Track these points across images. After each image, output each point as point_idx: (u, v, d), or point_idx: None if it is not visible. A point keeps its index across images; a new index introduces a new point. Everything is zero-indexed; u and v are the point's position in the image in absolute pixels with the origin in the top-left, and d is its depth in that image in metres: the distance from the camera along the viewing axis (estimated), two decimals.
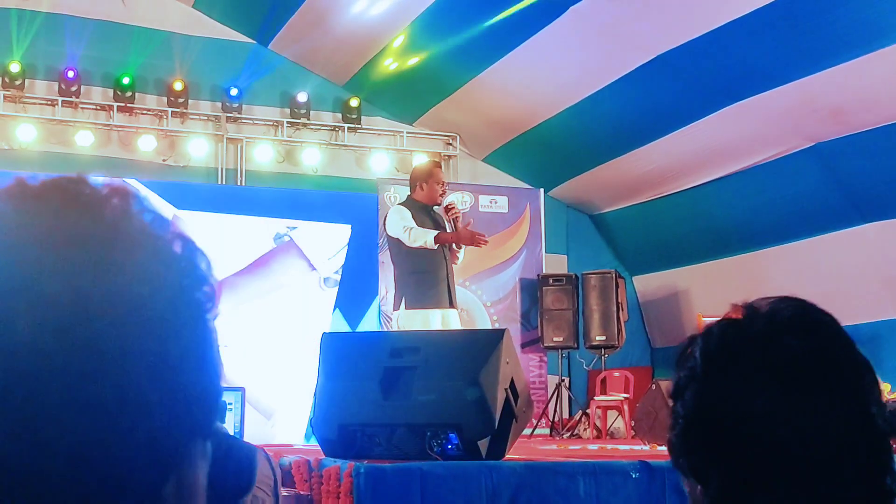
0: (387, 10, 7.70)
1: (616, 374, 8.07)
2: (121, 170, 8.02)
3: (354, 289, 8.47)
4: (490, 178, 9.50)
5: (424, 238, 5.47)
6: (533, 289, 8.84)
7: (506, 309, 8.86)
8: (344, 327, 8.33)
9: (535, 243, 9.04)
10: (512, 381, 4.17)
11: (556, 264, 9.35)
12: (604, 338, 8.51)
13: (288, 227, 8.36)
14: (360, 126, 9.18)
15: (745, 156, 7.87)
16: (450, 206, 5.73)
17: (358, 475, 3.74)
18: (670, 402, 0.98)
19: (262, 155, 8.89)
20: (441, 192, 5.73)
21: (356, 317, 8.50)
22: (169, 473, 0.55)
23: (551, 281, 8.72)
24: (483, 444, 4.00)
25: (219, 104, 8.84)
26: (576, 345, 8.65)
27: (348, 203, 8.74)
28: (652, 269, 9.60)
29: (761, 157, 7.78)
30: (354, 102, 9.08)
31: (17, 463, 0.50)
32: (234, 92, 8.73)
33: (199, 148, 8.64)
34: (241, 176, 8.90)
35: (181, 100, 8.57)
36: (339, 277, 8.53)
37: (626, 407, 7.61)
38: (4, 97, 8.15)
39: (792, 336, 0.92)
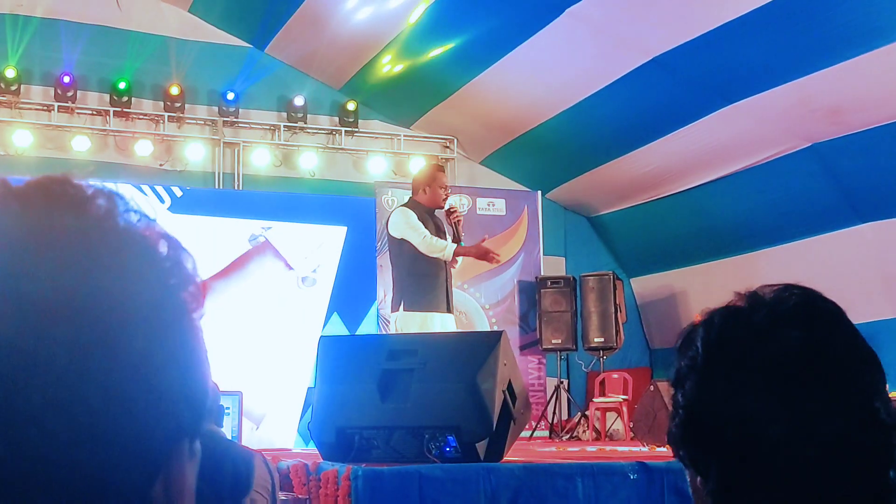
0: (383, 13, 7.70)
1: (615, 375, 8.06)
2: (117, 175, 8.01)
3: (353, 292, 8.45)
4: (488, 181, 9.51)
5: (442, 251, 5.48)
6: (531, 291, 8.84)
7: (504, 311, 8.86)
8: (343, 331, 8.31)
9: (533, 246, 9.04)
10: (510, 383, 4.17)
11: (554, 266, 9.35)
12: (602, 339, 8.51)
13: (262, 228, 8.30)
14: (357, 129, 9.18)
15: (742, 156, 7.87)
16: (451, 210, 5.73)
17: (356, 478, 3.73)
18: (671, 391, 0.98)
19: (260, 159, 8.89)
20: (444, 196, 5.73)
21: (355, 321, 8.49)
22: (156, 474, 0.54)
23: (549, 283, 8.73)
24: (481, 447, 3.99)
25: (215, 108, 8.84)
26: (574, 347, 8.65)
27: (346, 206, 8.73)
28: (650, 270, 9.61)
29: (758, 157, 7.78)
30: (351, 106, 9.08)
31: None
32: (230, 96, 8.73)
33: (195, 152, 8.64)
34: (239, 180, 8.90)
35: (178, 104, 8.57)
36: (317, 276, 8.44)
37: (624, 408, 7.60)
38: (0, 103, 8.14)
39: (794, 328, 0.91)
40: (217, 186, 8.78)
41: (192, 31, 8.65)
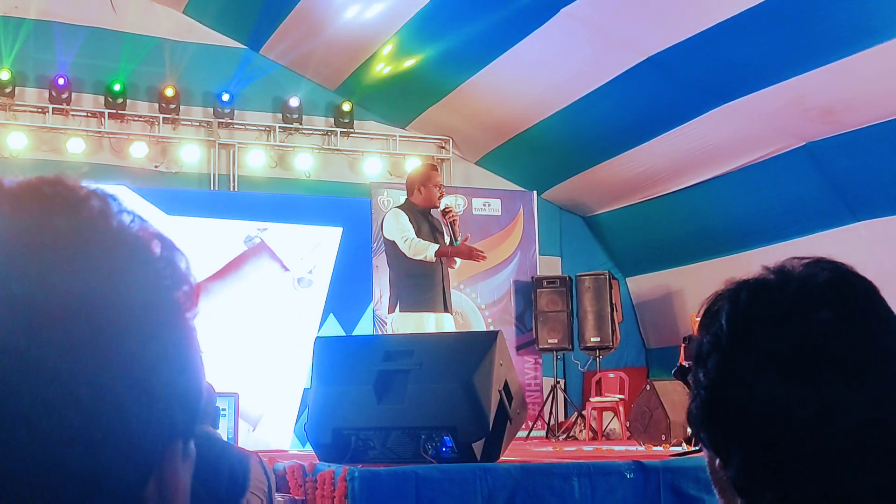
0: (378, 14, 7.70)
1: (611, 375, 8.07)
2: (112, 177, 7.99)
3: (349, 294, 8.45)
4: (483, 181, 9.51)
5: (425, 252, 5.49)
6: (527, 291, 8.85)
7: (500, 312, 8.87)
8: (339, 333, 8.30)
9: (529, 246, 9.04)
10: (506, 383, 4.17)
11: (549, 266, 9.36)
12: (598, 339, 8.52)
13: (258, 229, 8.29)
14: (352, 130, 9.18)
15: (736, 156, 7.88)
16: (447, 210, 5.73)
17: (352, 479, 3.73)
18: (689, 365, 0.93)
19: (255, 160, 8.88)
20: (439, 196, 5.73)
21: (351, 322, 8.48)
22: (148, 475, 0.54)
23: (545, 283, 8.73)
24: (478, 447, 3.99)
25: (210, 110, 8.83)
26: (571, 346, 8.66)
27: (341, 207, 8.72)
28: (645, 270, 9.62)
29: (752, 157, 7.80)
30: (347, 107, 9.07)
31: None
32: (225, 97, 8.72)
33: (191, 154, 8.63)
34: (234, 181, 8.89)
35: (172, 106, 8.56)
36: (313, 278, 8.43)
37: (621, 408, 7.61)
38: None
39: (825, 306, 0.86)
40: (212, 188, 8.77)
41: (187, 32, 8.64)
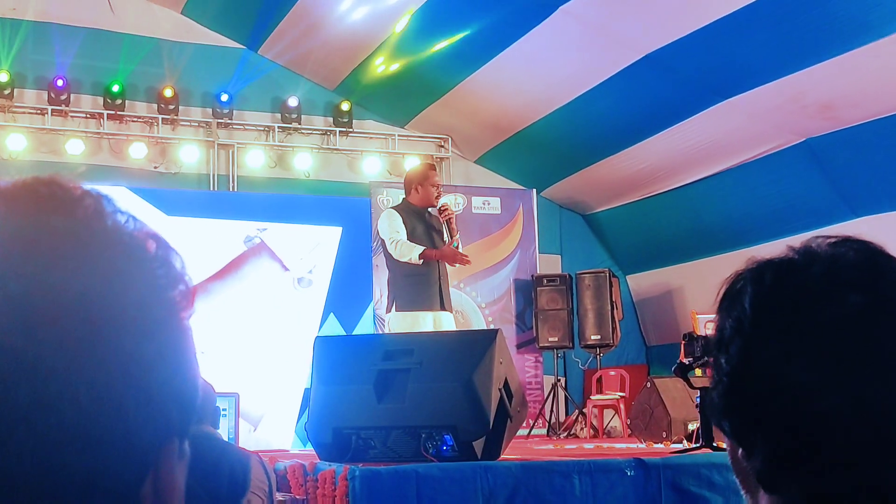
0: (376, 13, 7.70)
1: (612, 372, 8.07)
2: (112, 178, 8.00)
3: (349, 293, 8.45)
4: (483, 180, 9.51)
5: (410, 255, 5.50)
6: (527, 289, 8.85)
7: (500, 310, 8.87)
8: (339, 332, 8.31)
9: (529, 244, 9.04)
10: (506, 381, 4.17)
11: (549, 264, 9.36)
12: (599, 337, 8.53)
13: (258, 229, 8.30)
14: (351, 130, 9.18)
15: (736, 153, 7.88)
16: (443, 208, 5.73)
17: (353, 478, 3.73)
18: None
19: (254, 160, 8.89)
20: (436, 195, 5.73)
21: (352, 321, 8.49)
22: (145, 474, 0.55)
23: (545, 281, 8.73)
24: (478, 445, 4.00)
25: (209, 110, 8.83)
26: (571, 344, 8.66)
27: (341, 207, 8.72)
28: (645, 267, 9.62)
29: (752, 153, 7.80)
30: (345, 106, 9.08)
31: None
32: (224, 98, 8.72)
33: (190, 154, 8.63)
34: (233, 181, 8.89)
35: (171, 106, 8.56)
36: (313, 277, 8.43)
37: (622, 405, 7.61)
38: None
39: (853, 289, 0.82)
40: (212, 188, 8.77)
41: (186, 32, 8.64)
